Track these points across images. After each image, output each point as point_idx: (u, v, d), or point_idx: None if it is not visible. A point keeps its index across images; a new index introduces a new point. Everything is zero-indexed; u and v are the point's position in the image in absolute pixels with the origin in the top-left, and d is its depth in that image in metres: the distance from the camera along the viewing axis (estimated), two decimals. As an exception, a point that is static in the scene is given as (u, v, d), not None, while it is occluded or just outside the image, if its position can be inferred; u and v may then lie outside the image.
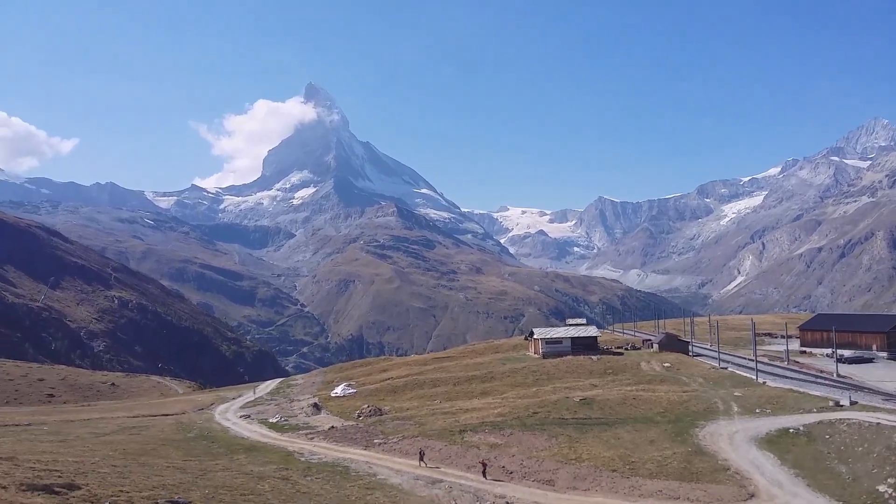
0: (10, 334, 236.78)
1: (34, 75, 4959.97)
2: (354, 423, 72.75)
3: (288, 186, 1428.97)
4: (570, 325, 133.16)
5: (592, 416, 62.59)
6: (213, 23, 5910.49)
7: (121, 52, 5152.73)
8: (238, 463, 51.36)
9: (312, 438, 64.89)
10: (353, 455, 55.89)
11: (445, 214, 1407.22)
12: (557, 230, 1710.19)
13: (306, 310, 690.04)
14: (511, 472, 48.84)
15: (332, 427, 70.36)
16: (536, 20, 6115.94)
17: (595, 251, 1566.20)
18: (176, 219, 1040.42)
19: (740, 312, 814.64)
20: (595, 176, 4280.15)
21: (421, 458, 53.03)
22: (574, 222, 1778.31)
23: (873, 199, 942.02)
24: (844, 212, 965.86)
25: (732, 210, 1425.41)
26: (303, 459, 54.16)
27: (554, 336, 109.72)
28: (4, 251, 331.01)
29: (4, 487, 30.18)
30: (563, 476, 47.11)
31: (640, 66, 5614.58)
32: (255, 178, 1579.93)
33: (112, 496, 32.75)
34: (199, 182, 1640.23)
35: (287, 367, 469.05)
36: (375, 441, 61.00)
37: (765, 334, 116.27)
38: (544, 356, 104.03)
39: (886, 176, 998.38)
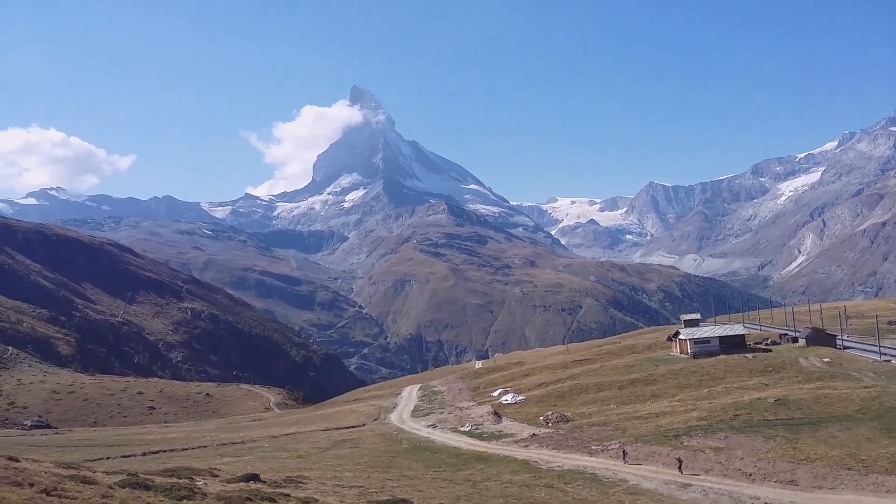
0: (97, 350, 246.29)
1: (90, 95, 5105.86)
2: (551, 429, 72.56)
3: (338, 190, 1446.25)
4: (686, 320, 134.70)
5: (795, 416, 62.79)
6: (254, 31, 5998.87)
7: (170, 68, 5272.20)
8: (489, 473, 52.51)
9: (527, 446, 65.38)
10: (586, 462, 56.49)
11: (495, 209, 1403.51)
12: (608, 218, 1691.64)
13: (364, 311, 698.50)
14: (750, 475, 49.25)
15: (534, 434, 70.61)
16: (579, 5, 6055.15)
17: (648, 238, 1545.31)
18: (233, 228, 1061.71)
19: (803, 293, 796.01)
20: (644, 161, 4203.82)
21: (624, 457, 55.50)
22: (625, 210, 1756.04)
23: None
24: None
25: (789, 188, 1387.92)
26: (544, 467, 54.91)
27: (702, 336, 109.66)
28: (82, 269, 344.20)
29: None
30: (803, 476, 47.66)
31: (685, 45, 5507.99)
32: (306, 184, 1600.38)
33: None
34: (251, 190, 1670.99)
35: (351, 370, 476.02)
36: (593, 447, 61.56)
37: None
38: (694, 356, 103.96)
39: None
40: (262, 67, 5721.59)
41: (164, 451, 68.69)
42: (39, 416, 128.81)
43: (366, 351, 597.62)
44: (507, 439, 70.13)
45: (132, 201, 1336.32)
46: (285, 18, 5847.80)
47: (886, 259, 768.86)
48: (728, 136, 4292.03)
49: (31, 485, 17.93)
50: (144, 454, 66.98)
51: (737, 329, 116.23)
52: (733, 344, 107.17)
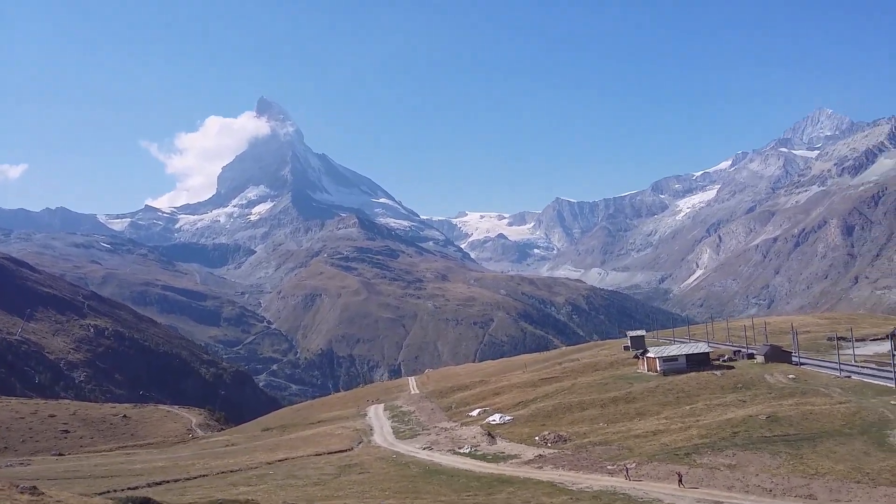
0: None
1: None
2: (554, 450, 72.14)
3: (244, 202, 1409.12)
4: (632, 336, 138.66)
5: (789, 432, 64.39)
6: (159, 41, 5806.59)
7: (68, 74, 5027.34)
8: (524, 496, 52.22)
9: (541, 467, 64.74)
10: (609, 482, 56.40)
11: (405, 223, 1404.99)
12: (517, 233, 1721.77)
13: (273, 327, 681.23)
14: (770, 490, 50.11)
15: (540, 455, 70.04)
16: (486, 22, 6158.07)
17: (555, 252, 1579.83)
18: (132, 241, 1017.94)
19: (701, 306, 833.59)
20: (551, 177, 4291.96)
21: (626, 474, 56.12)
22: (533, 224, 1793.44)
23: (823, 188, 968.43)
24: (796, 202, 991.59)
25: (687, 205, 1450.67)
26: (574, 489, 54.58)
27: (669, 354, 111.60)
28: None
29: None
30: (818, 490, 48.85)
31: (587, 65, 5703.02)
32: (210, 196, 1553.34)
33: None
34: (152, 202, 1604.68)
35: (260, 386, 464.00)
36: (609, 467, 61.27)
37: (839, 338, 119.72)
38: (664, 374, 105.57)
39: (835, 164, 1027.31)
40: (164, 76, 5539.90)
41: (169, 482, 64.89)
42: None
43: (275, 367, 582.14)
44: (514, 460, 69.80)
45: (23, 213, 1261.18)
46: (187, 27, 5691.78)
47: (777, 273, 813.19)
48: (630, 154, 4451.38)
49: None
50: (150, 485, 62.98)
51: (701, 347, 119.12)
52: (698, 361, 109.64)
